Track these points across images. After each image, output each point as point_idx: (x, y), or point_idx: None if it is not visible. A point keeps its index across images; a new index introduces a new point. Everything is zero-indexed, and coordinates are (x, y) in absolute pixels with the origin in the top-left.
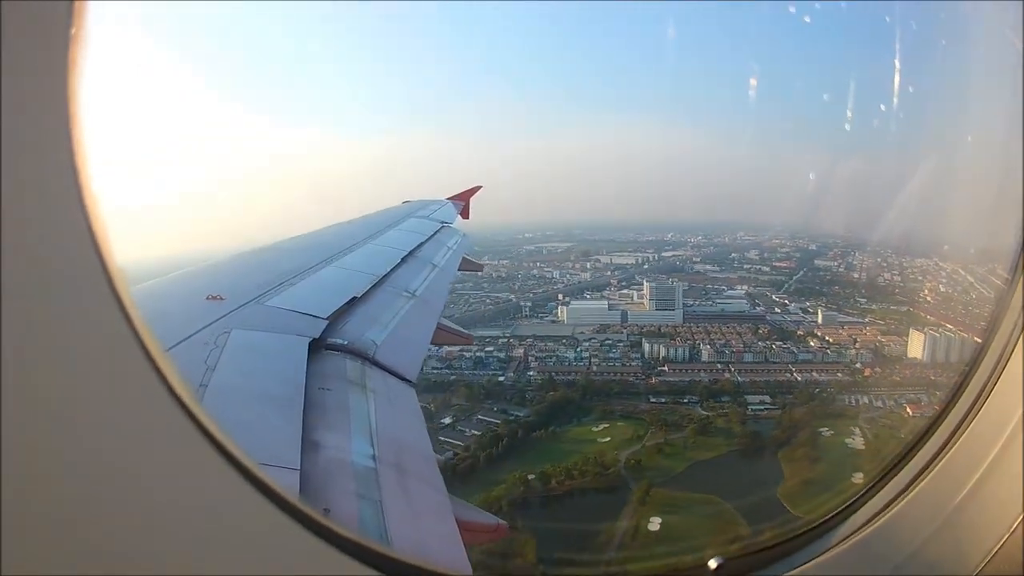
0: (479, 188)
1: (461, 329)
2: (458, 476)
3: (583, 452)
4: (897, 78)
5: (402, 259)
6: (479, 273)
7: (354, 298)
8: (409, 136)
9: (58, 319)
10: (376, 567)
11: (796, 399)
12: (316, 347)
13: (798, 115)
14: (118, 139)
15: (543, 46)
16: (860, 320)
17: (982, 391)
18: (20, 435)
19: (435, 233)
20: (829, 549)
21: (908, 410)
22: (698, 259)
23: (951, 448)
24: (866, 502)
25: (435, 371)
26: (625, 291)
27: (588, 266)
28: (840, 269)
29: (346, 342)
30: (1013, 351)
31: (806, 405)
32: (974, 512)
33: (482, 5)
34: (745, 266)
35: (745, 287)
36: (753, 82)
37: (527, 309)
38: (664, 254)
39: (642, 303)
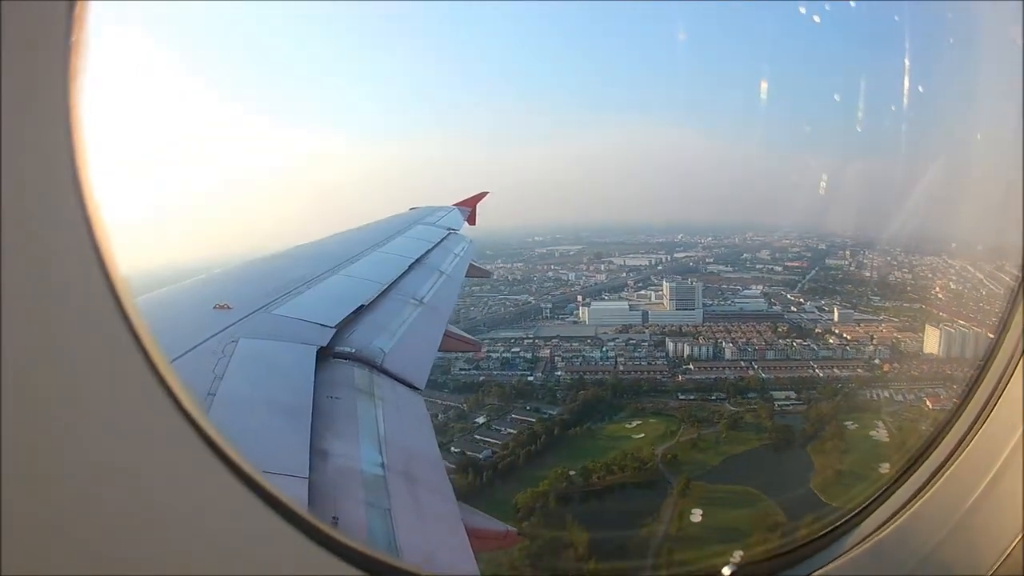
0: (486, 194)
1: (469, 336)
2: (499, 473)
3: (619, 448)
4: (905, 78)
5: (409, 266)
6: (487, 279)
7: (362, 306)
8: (416, 140)
9: (59, 326)
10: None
11: (820, 394)
12: (324, 355)
13: (804, 115)
14: (120, 142)
15: (549, 49)
16: (875, 317)
17: (991, 396)
18: (24, 441)
19: (442, 240)
20: (843, 554)
21: (928, 403)
22: (711, 260)
23: (962, 453)
24: (878, 506)
25: (464, 372)
26: (643, 292)
27: (602, 268)
28: (851, 268)
29: (354, 350)
30: (1021, 356)
31: (830, 400)
32: (986, 515)
33: (487, 6)
34: (758, 266)
35: (760, 287)
36: (759, 83)
37: (547, 311)
38: (676, 255)
39: (661, 303)
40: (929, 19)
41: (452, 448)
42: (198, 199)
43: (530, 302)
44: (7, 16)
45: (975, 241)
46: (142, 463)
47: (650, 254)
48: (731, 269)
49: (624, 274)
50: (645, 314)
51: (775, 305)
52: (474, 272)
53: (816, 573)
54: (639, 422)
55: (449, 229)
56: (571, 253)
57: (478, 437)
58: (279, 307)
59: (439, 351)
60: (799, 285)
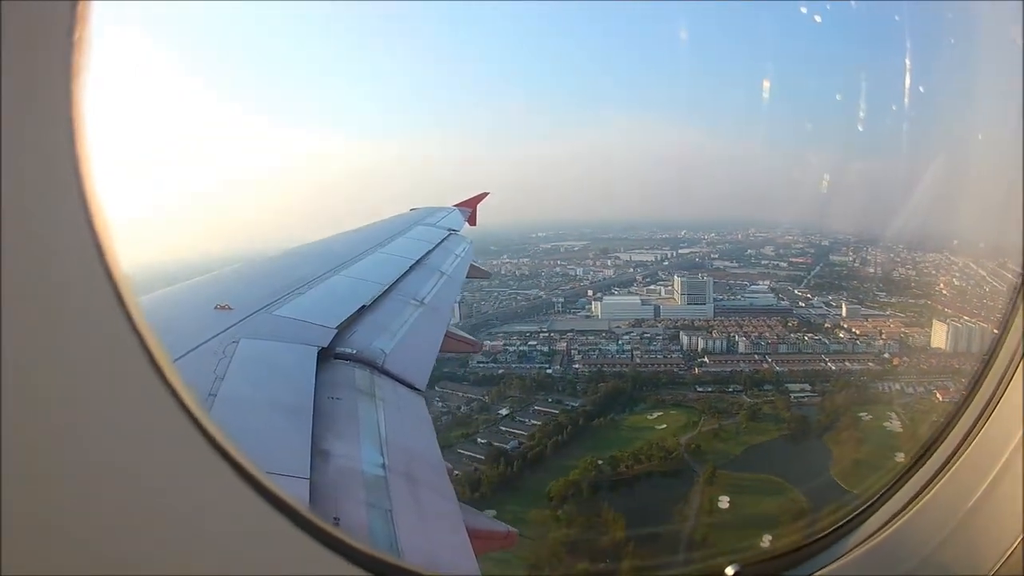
0: (486, 195)
1: (469, 336)
2: (528, 463)
3: (644, 438)
4: (906, 77)
5: (410, 267)
6: (490, 278)
7: (362, 307)
8: (416, 139)
9: (62, 326)
10: (382, 575)
11: (834, 387)
12: (325, 356)
13: (805, 114)
14: (122, 141)
15: (548, 47)
16: (882, 313)
17: (992, 397)
18: (26, 441)
19: (442, 240)
20: (844, 555)
21: (938, 396)
22: (716, 256)
23: (963, 454)
24: (879, 508)
25: (481, 365)
26: (652, 287)
27: (609, 263)
28: (855, 264)
29: (355, 351)
30: (1022, 357)
31: (844, 392)
32: (986, 516)
33: (487, 6)
34: (763, 262)
35: (767, 282)
36: (760, 81)
37: (559, 305)
38: (681, 251)
39: (672, 298)
40: (930, 19)
41: (479, 439)
42: (198, 198)
43: (541, 296)
44: (9, 15)
45: (976, 239)
46: (145, 463)
47: (655, 250)
48: (737, 265)
49: (631, 269)
50: (657, 308)
51: (783, 300)
52: (475, 273)
53: (818, 573)
54: (660, 413)
55: (450, 230)
56: (576, 249)
57: (503, 428)
58: (280, 308)
59: (440, 352)
60: (805, 281)
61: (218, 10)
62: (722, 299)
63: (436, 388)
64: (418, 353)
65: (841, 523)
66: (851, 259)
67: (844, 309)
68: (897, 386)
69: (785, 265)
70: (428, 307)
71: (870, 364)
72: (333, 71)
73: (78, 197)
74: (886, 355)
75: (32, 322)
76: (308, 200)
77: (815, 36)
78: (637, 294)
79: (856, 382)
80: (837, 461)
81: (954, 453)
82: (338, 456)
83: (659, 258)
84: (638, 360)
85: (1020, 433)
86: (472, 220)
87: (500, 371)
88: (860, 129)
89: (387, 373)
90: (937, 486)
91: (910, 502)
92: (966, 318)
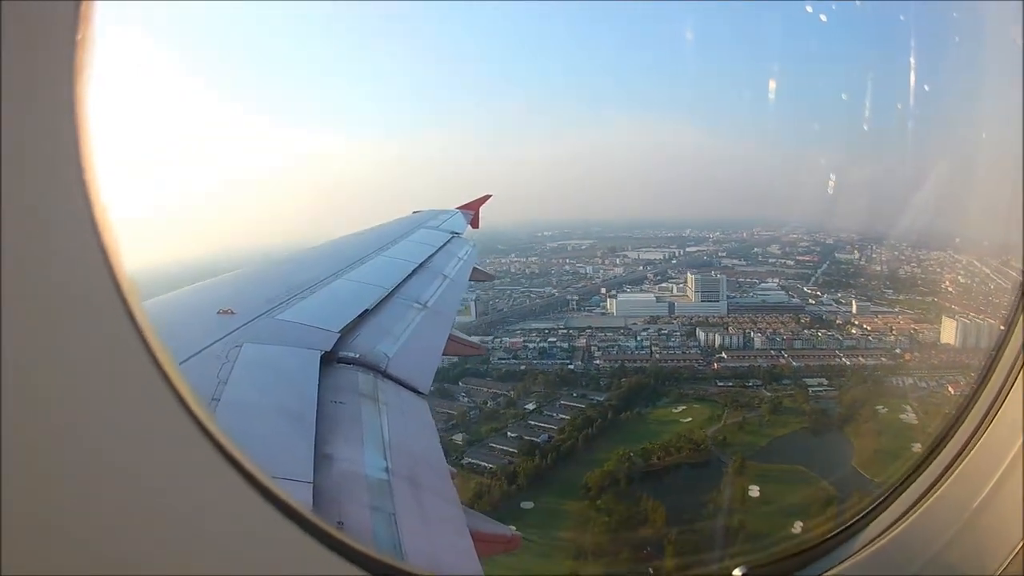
0: (488, 197)
1: (472, 340)
2: (561, 455)
3: (671, 431)
4: (911, 77)
5: (413, 271)
6: (494, 279)
7: (365, 311)
8: (417, 139)
9: (66, 328)
10: None
11: (849, 381)
12: (328, 360)
13: (809, 113)
14: (125, 142)
15: (550, 47)
16: (891, 310)
17: (995, 400)
18: (29, 443)
19: (445, 244)
20: (849, 557)
21: (950, 389)
22: (723, 254)
23: (966, 456)
24: (884, 510)
25: (503, 361)
26: (664, 284)
27: (618, 262)
28: (861, 262)
29: (358, 355)
30: None
31: (859, 386)
32: (990, 519)
33: (488, 6)
34: (770, 260)
35: (776, 280)
36: (764, 81)
37: (574, 303)
38: (688, 249)
39: (685, 295)
40: (934, 19)
41: (509, 433)
42: (200, 198)
43: (554, 294)
44: (12, 15)
45: (980, 237)
46: (149, 464)
47: (662, 248)
48: (744, 263)
49: (640, 268)
50: (671, 305)
51: (793, 298)
52: (478, 276)
53: (824, 575)
54: (684, 407)
55: (452, 233)
56: (583, 247)
57: (532, 423)
58: (283, 312)
59: (443, 355)
60: (813, 279)
61: (220, 10)
62: (734, 296)
63: (460, 384)
64: (421, 357)
65: (847, 525)
66: (857, 257)
67: (854, 306)
68: (910, 380)
69: (792, 263)
70: (431, 311)
71: (883, 359)
72: (335, 71)
73: (81, 198)
74: (897, 351)
75: (36, 324)
76: (310, 200)
77: (815, 36)
78: (650, 292)
79: (871, 376)
80: (858, 451)
81: (958, 455)
82: (341, 460)
83: (667, 256)
84: (657, 356)
85: (1023, 436)
86: (475, 223)
87: (522, 367)
88: (864, 129)
89: (390, 377)
90: (942, 488)
91: (915, 504)
92: (973, 315)
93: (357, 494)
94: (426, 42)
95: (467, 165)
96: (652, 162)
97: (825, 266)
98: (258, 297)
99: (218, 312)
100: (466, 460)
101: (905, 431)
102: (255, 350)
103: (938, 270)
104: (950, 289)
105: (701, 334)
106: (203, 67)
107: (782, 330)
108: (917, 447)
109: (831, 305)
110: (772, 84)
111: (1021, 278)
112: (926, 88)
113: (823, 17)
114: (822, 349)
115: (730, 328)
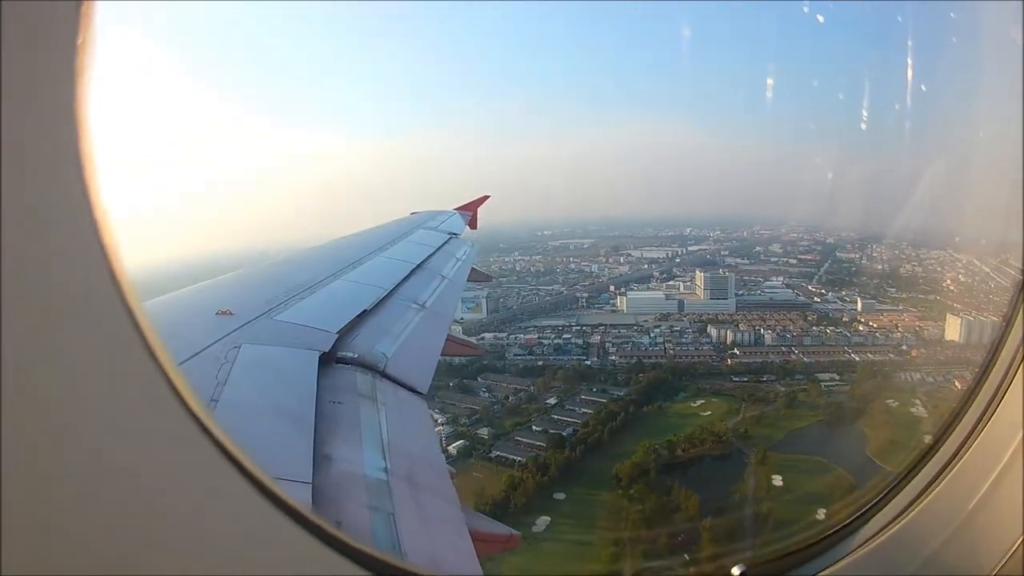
0: (487, 198)
1: (471, 340)
2: (589, 447)
3: (692, 424)
4: (908, 76)
5: (411, 271)
6: (493, 278)
7: (364, 311)
8: (416, 139)
9: (67, 329)
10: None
11: (860, 376)
12: (327, 361)
13: (807, 112)
14: (126, 142)
15: (548, 47)
16: (896, 308)
17: (993, 397)
18: (30, 443)
19: (443, 244)
20: (846, 555)
21: (957, 384)
22: (726, 252)
23: (964, 454)
24: (882, 508)
25: (519, 357)
26: (671, 282)
27: (622, 260)
28: (863, 261)
29: (356, 355)
30: (1023, 358)
31: (870, 381)
32: (988, 517)
33: (489, 6)
34: (772, 259)
35: (780, 278)
36: (762, 81)
37: (583, 300)
38: (690, 248)
39: (693, 293)
40: (933, 18)
41: (533, 427)
42: (200, 198)
43: (562, 292)
44: (12, 15)
45: (978, 236)
46: (150, 464)
47: (664, 247)
48: (748, 262)
49: (645, 266)
50: (681, 303)
51: (800, 296)
52: (476, 276)
53: (822, 574)
54: (702, 401)
55: (450, 233)
56: (585, 246)
57: (555, 416)
58: (281, 313)
59: (442, 355)
60: (816, 277)
61: (220, 10)
62: (742, 294)
63: (480, 379)
64: (420, 357)
65: (845, 523)
66: (857, 256)
67: (859, 304)
68: (918, 375)
69: (795, 262)
70: (429, 311)
71: (890, 355)
72: (335, 71)
73: (82, 199)
74: (904, 347)
75: (36, 323)
76: (309, 201)
77: (815, 36)
78: (658, 289)
79: (880, 371)
80: (873, 442)
81: (955, 454)
82: (340, 460)
83: (671, 255)
84: (671, 352)
85: (1021, 434)
86: (473, 223)
87: (539, 363)
88: (863, 128)
89: (389, 377)
90: (939, 487)
91: (913, 502)
92: (976, 313)
93: (356, 494)
94: (426, 42)
95: (467, 165)
96: (651, 161)
97: (827, 265)
98: (257, 298)
99: (216, 313)
100: (494, 453)
101: (916, 423)
102: (254, 351)
103: (939, 269)
104: (952, 288)
105: (712, 331)
106: (203, 67)
107: (791, 327)
108: (928, 438)
109: (836, 303)
110: (773, 84)
111: (1019, 280)
112: (923, 88)
113: (819, 18)
114: (831, 345)
115: (740, 325)
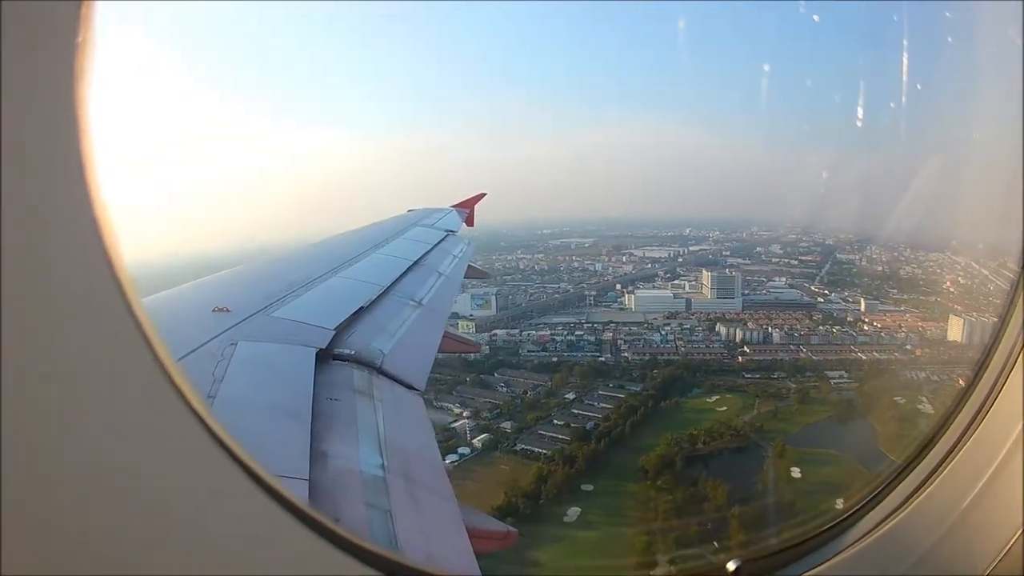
0: (483, 195)
1: (468, 337)
2: (612, 440)
3: (709, 419)
4: (903, 77)
5: (408, 268)
6: (492, 276)
7: (361, 308)
8: (416, 139)
9: (68, 327)
10: (386, 571)
11: (868, 374)
12: (323, 357)
13: (804, 114)
14: (126, 142)
15: (548, 47)
16: (898, 308)
17: (990, 392)
18: (27, 441)
19: (440, 241)
20: (841, 551)
21: (961, 382)
22: (727, 252)
23: (961, 449)
24: (877, 504)
25: (533, 353)
26: (676, 281)
27: (624, 259)
28: (863, 263)
29: (353, 352)
30: (1019, 354)
31: (877, 379)
32: (985, 512)
33: (489, 5)
34: (773, 260)
35: (783, 279)
36: (759, 81)
37: (591, 298)
38: (692, 248)
39: (699, 292)
40: (930, 18)
41: (555, 421)
42: (199, 197)
43: (568, 290)
44: (13, 15)
45: (975, 239)
46: (150, 462)
47: (666, 247)
48: (749, 262)
49: (648, 265)
50: (689, 302)
51: (804, 296)
52: (472, 273)
53: (816, 570)
54: (717, 397)
55: (447, 231)
56: (586, 245)
57: (575, 411)
58: (278, 309)
59: (439, 352)
60: (817, 278)
61: (220, 10)
62: (748, 294)
63: (496, 375)
64: (417, 353)
65: (840, 519)
66: (857, 257)
67: (863, 305)
68: (923, 374)
69: (796, 263)
70: (426, 308)
71: (896, 354)
72: (336, 70)
73: (82, 198)
74: (908, 347)
75: (37, 322)
76: (309, 198)
77: (815, 36)
78: (664, 288)
79: (886, 370)
80: (882, 436)
81: (952, 449)
82: (337, 457)
83: (673, 255)
84: (683, 349)
85: (1017, 429)
86: (470, 221)
87: (554, 359)
88: (861, 129)
89: (385, 374)
90: (935, 482)
91: (908, 498)
92: (976, 314)
93: (353, 491)
94: (428, 41)
95: (468, 164)
96: (651, 161)
97: (828, 266)
98: (254, 295)
99: (214, 310)
100: (519, 447)
101: (922, 418)
102: (250, 347)
103: (938, 271)
104: (952, 290)
105: (721, 329)
106: (204, 67)
107: (798, 326)
108: (925, 434)
109: (839, 303)
110: (770, 84)
111: (1016, 277)
112: (918, 87)
113: (815, 18)
114: (838, 344)
115: (748, 324)
